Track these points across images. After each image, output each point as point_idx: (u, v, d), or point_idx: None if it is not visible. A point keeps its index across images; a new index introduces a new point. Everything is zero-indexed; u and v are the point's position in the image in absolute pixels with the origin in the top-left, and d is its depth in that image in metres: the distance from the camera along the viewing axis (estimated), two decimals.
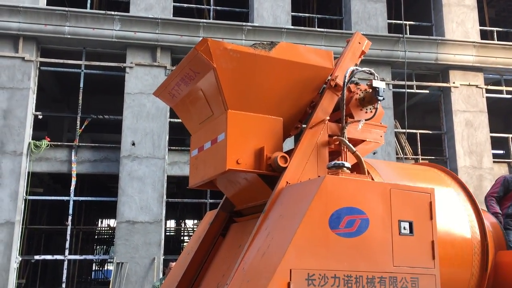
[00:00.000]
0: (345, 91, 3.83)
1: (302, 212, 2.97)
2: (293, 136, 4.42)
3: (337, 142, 3.79)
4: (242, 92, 3.57)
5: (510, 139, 14.73)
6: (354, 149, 3.69)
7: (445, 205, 4.09)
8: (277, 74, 3.67)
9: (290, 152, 3.70)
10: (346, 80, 3.83)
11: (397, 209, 3.22)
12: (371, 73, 3.94)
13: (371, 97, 3.89)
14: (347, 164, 3.43)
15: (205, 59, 3.42)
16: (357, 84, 4.10)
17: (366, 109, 4.01)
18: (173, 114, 12.13)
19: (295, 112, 3.93)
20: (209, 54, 3.40)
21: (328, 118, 3.86)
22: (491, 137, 13.97)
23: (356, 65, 4.20)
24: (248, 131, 3.59)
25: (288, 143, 4.54)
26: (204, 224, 4.45)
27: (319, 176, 3.52)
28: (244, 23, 12.95)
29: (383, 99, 3.85)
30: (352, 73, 3.89)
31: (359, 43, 4.32)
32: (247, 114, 3.61)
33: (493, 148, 14.01)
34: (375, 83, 3.80)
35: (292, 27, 13.23)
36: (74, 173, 11.96)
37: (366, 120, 3.96)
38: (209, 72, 3.48)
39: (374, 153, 11.76)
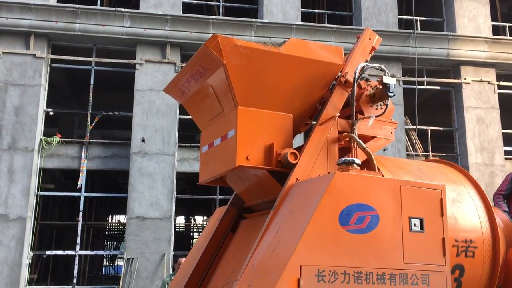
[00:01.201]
0: (355, 87, 3.82)
1: (312, 209, 2.97)
2: (302, 133, 4.41)
3: (347, 139, 3.78)
4: (252, 89, 3.57)
5: None
6: (364, 145, 3.68)
7: (456, 202, 4.06)
8: (287, 71, 3.66)
9: (300, 149, 3.70)
10: (356, 77, 3.81)
11: (408, 205, 3.21)
12: (381, 69, 3.92)
13: (382, 94, 3.88)
14: (357, 161, 3.43)
15: (215, 56, 3.42)
16: (367, 80, 4.08)
17: (377, 106, 3.99)
18: (183, 111, 12.16)
19: (305, 108, 3.93)
20: (219, 51, 3.40)
21: (338, 114, 3.85)
22: (503, 133, 13.83)
23: (366, 61, 4.18)
24: (258, 128, 3.59)
25: (298, 140, 4.53)
26: (214, 220, 4.46)
27: (329, 173, 3.52)
28: (253, 20, 12.93)
29: (394, 95, 3.83)
30: (363, 69, 3.87)
31: (370, 39, 4.31)
32: (257, 111, 3.61)
33: (505, 144, 13.86)
34: (386, 79, 3.79)
35: (302, 23, 13.18)
36: (83, 169, 12.05)
37: (376, 116, 3.95)
38: (219, 68, 3.48)
39: (384, 150, 11.70)
